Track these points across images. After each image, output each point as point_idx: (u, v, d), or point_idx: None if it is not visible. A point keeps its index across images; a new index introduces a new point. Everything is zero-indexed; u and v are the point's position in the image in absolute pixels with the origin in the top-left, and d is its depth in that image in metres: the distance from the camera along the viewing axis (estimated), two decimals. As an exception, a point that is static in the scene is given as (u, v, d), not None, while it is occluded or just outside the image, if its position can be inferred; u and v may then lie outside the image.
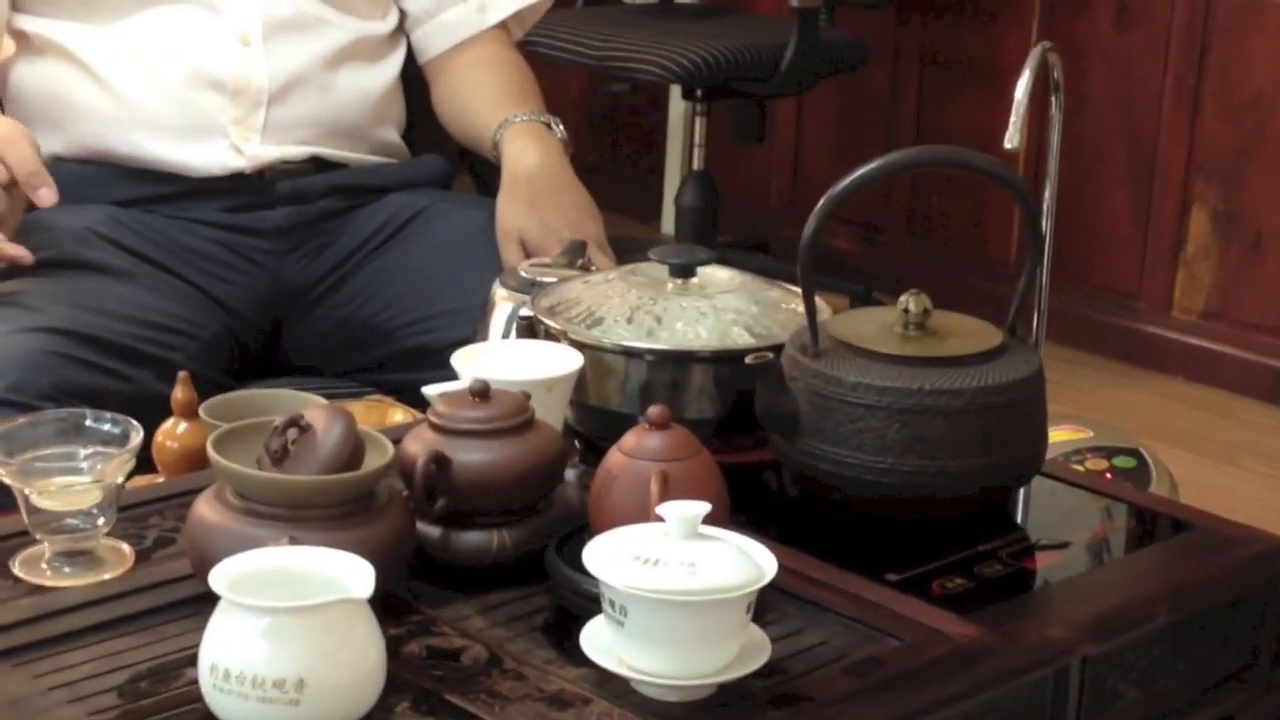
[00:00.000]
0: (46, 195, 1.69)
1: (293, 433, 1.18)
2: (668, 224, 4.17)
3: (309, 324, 1.91)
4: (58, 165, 1.81)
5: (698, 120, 3.56)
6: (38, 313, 1.67)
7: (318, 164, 1.92)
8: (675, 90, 3.99)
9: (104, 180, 1.87)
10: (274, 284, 1.90)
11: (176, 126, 1.85)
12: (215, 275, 1.87)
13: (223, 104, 1.85)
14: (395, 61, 1.99)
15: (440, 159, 2.04)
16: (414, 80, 2.04)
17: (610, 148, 4.29)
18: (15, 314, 1.67)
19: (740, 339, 1.42)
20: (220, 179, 1.87)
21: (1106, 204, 3.47)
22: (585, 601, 1.17)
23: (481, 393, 1.27)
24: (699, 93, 3.44)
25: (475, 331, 1.59)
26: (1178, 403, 3.30)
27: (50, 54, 1.88)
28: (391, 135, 2.00)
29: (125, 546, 1.29)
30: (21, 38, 1.89)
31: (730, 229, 3.68)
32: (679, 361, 1.41)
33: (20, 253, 1.69)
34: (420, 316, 1.85)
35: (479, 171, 2.15)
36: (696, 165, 3.57)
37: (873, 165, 1.32)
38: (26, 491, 1.25)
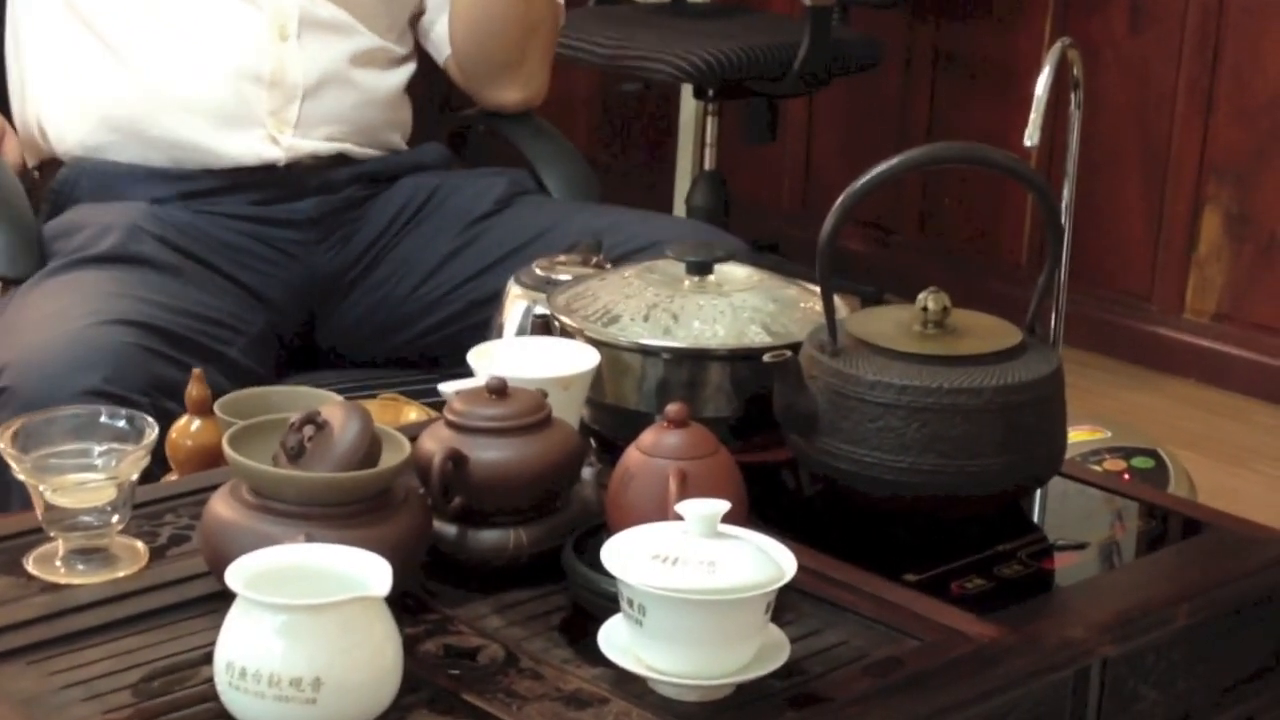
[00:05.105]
0: None
1: (309, 430, 1.18)
2: (678, 224, 4.16)
3: (343, 311, 1.94)
4: (91, 164, 1.85)
5: (709, 120, 3.55)
6: (114, 305, 1.67)
7: (342, 160, 1.96)
8: (686, 89, 3.97)
9: (135, 178, 1.88)
10: (306, 275, 1.92)
11: (217, 114, 1.88)
12: (251, 268, 1.89)
13: (260, 95, 1.89)
14: (406, 72, 2.04)
15: (441, 146, 2.10)
16: (416, 97, 2.09)
17: (621, 147, 4.28)
18: (96, 305, 1.66)
19: (757, 337, 1.41)
20: (250, 171, 1.89)
21: (1119, 205, 3.45)
22: (602, 601, 1.16)
23: (499, 390, 1.27)
24: (710, 92, 3.43)
25: (489, 330, 1.59)
26: (1189, 405, 3.29)
27: (93, 42, 1.89)
28: (399, 141, 2.05)
29: (139, 544, 1.29)
30: (59, 25, 1.90)
31: (741, 229, 3.65)
32: (696, 360, 1.40)
33: None
34: (451, 287, 1.90)
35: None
36: (708, 165, 3.55)
37: (893, 161, 1.31)
38: (41, 488, 1.24)
